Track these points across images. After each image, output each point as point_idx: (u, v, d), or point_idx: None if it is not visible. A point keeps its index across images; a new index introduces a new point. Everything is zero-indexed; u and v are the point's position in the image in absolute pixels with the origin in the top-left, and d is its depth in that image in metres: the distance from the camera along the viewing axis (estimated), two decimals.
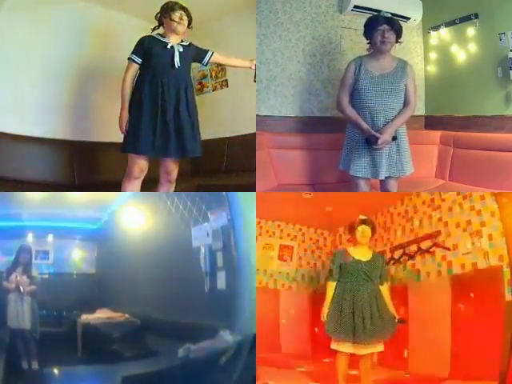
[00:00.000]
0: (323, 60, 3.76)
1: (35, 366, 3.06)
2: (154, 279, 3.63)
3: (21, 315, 3.12)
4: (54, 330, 3.87)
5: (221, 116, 4.40)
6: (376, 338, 2.37)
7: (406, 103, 2.78)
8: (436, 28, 3.76)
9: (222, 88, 4.46)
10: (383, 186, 2.90)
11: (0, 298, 3.15)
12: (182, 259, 3.23)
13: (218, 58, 3.07)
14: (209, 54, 3.02)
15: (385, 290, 2.50)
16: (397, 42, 2.76)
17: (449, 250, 3.12)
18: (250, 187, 3.04)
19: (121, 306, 4.01)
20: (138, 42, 2.80)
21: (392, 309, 2.49)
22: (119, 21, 3.92)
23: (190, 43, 2.93)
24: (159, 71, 2.75)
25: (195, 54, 2.96)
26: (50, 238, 4.94)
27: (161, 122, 2.73)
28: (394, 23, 2.71)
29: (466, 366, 2.72)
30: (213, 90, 4.53)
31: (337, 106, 2.90)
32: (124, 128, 2.75)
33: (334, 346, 2.42)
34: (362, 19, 3.57)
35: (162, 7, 2.82)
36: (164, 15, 2.81)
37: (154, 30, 2.88)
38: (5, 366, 2.83)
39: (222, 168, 4.27)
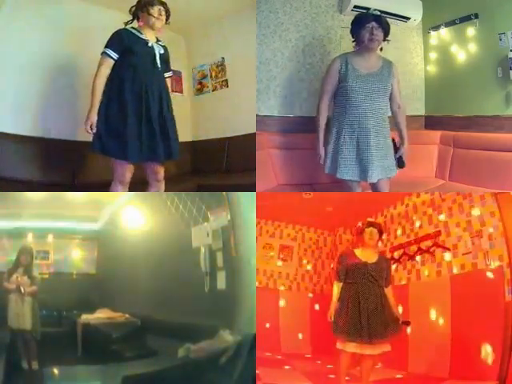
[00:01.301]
0: (323, 60, 3.75)
1: (35, 366, 3.06)
2: (153, 279, 3.63)
3: (21, 316, 3.13)
4: (54, 330, 3.87)
5: (221, 116, 4.40)
6: (380, 338, 2.38)
7: (395, 105, 2.80)
8: (436, 28, 3.75)
9: (221, 88, 4.46)
10: (374, 186, 2.88)
11: (0, 299, 3.16)
12: (182, 259, 3.23)
13: (168, 83, 2.92)
14: (170, 73, 2.95)
15: (389, 292, 2.52)
16: (384, 40, 2.73)
17: (449, 250, 3.13)
18: (250, 187, 3.05)
19: (121, 306, 4.01)
20: (115, 35, 2.63)
21: (396, 311, 2.51)
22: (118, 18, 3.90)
23: (165, 45, 2.85)
24: (142, 71, 2.64)
25: (167, 57, 2.87)
26: (50, 238, 4.94)
27: (146, 126, 2.63)
28: (382, 21, 2.69)
29: (465, 366, 2.72)
30: (213, 90, 4.53)
31: (317, 107, 2.89)
32: (89, 126, 2.58)
33: (339, 345, 2.43)
34: None
35: (140, 1, 2.70)
36: (142, 9, 2.69)
37: (127, 24, 2.74)
38: (5, 366, 2.83)
39: (222, 168, 4.26)
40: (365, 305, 2.40)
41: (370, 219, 2.63)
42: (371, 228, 2.56)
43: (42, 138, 3.40)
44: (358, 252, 2.56)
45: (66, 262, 5.04)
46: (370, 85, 2.68)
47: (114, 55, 2.61)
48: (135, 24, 2.75)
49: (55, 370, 2.89)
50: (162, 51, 2.77)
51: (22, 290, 3.15)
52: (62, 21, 3.54)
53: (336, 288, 2.54)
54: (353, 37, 2.79)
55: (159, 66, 2.72)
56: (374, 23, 2.65)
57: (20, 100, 3.35)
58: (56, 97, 3.55)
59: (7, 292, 3.17)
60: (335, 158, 2.81)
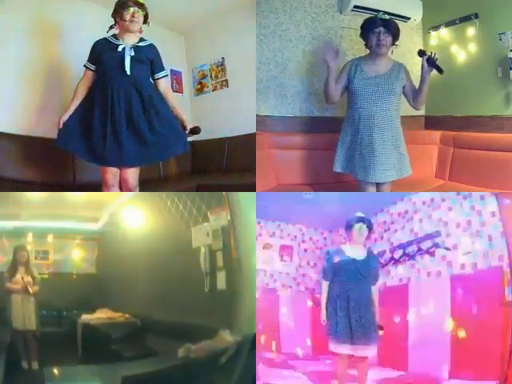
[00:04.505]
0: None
1: (35, 366, 3.06)
2: (154, 279, 3.62)
3: (27, 316, 3.13)
4: (54, 330, 3.87)
5: (221, 116, 4.40)
6: (373, 338, 2.36)
7: (411, 96, 2.82)
8: (436, 28, 3.75)
9: (222, 88, 4.46)
10: (377, 186, 2.87)
11: (1, 299, 3.16)
12: (182, 259, 3.23)
13: (163, 85, 2.84)
14: (162, 73, 2.82)
15: (375, 290, 2.48)
16: (393, 44, 2.72)
17: (449, 250, 3.12)
18: (250, 187, 3.05)
19: (121, 306, 4.01)
20: (91, 47, 2.72)
21: (376, 313, 2.46)
22: None
23: (151, 44, 2.76)
24: (109, 77, 2.63)
25: (153, 57, 2.76)
26: (50, 238, 4.94)
27: (110, 131, 2.62)
28: (391, 26, 2.66)
29: (465, 366, 2.72)
30: (213, 90, 4.53)
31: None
32: (59, 126, 2.70)
33: (332, 348, 2.39)
34: (362, 19, 3.58)
35: (115, 4, 2.64)
36: (116, 14, 2.63)
37: (110, 28, 2.72)
38: (5, 366, 2.83)
39: (222, 168, 4.26)
40: (354, 304, 2.36)
41: (359, 214, 2.54)
42: (360, 224, 2.50)
43: (41, 138, 3.40)
44: (345, 248, 2.51)
45: (66, 262, 5.03)
46: (376, 87, 2.68)
47: (92, 66, 2.74)
48: (116, 30, 2.73)
49: (55, 370, 2.88)
50: (133, 53, 2.64)
51: (30, 289, 3.15)
52: (60, 20, 3.54)
53: (324, 287, 2.50)
54: (364, 40, 2.77)
55: (128, 70, 2.62)
56: (381, 28, 2.63)
57: (19, 99, 3.35)
58: (56, 96, 3.55)
59: (10, 292, 3.17)
60: (348, 158, 2.82)
